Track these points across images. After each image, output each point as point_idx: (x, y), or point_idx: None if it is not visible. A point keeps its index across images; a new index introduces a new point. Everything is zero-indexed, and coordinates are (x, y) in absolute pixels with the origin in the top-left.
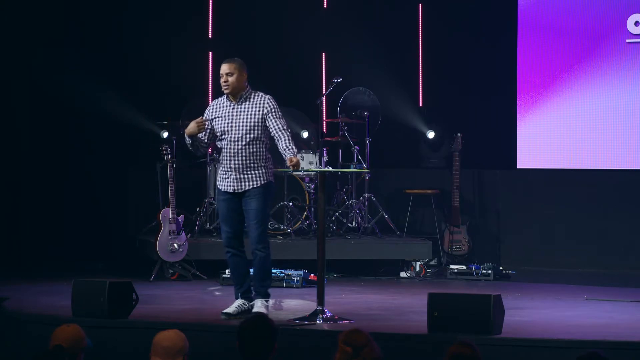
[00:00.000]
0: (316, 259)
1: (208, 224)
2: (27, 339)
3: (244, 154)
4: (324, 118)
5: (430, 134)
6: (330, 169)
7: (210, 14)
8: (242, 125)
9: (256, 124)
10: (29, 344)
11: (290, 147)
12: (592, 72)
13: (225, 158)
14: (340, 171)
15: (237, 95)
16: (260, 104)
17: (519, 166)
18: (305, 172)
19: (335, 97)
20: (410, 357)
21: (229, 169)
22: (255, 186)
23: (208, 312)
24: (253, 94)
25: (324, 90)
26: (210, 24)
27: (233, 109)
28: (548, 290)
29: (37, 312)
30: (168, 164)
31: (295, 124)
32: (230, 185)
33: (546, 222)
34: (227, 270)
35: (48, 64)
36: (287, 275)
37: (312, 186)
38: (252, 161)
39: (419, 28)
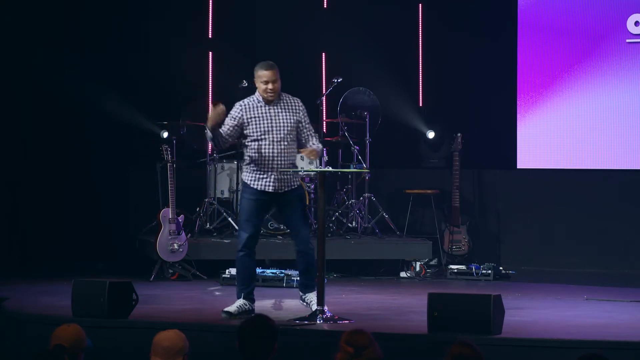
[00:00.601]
0: (316, 259)
1: (208, 224)
2: (27, 339)
3: (285, 154)
4: (324, 118)
5: (430, 134)
6: (330, 169)
7: (210, 14)
8: (283, 126)
9: (294, 125)
10: (29, 344)
11: (317, 143)
12: (592, 72)
13: (265, 158)
14: (340, 171)
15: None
16: (295, 106)
17: (519, 166)
18: (305, 172)
19: (335, 97)
20: (410, 357)
21: (269, 169)
22: (294, 187)
23: (208, 312)
24: (283, 94)
25: (324, 90)
26: (210, 24)
27: (269, 110)
28: (548, 290)
29: (37, 312)
30: (168, 164)
31: None
32: (270, 186)
33: (546, 222)
34: (227, 270)
35: (48, 64)
36: (287, 275)
37: (312, 186)
38: (291, 161)
39: (419, 28)
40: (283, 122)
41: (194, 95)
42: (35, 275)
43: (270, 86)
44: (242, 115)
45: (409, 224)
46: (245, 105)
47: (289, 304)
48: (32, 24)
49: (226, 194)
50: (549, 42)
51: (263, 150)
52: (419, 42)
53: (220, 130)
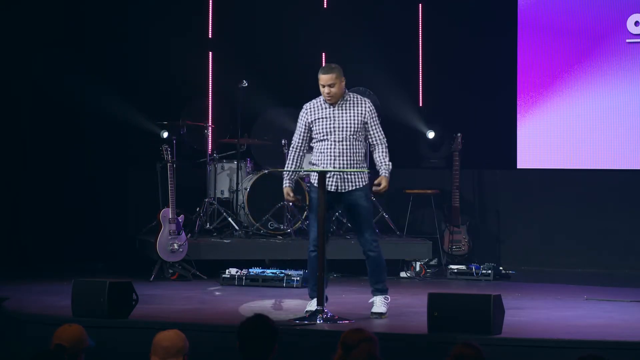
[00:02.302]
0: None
1: (208, 224)
2: (27, 339)
3: (348, 154)
4: None
5: (430, 134)
6: (331, 169)
7: (210, 14)
8: (346, 127)
9: (359, 125)
10: (29, 344)
11: (386, 163)
12: (592, 72)
13: (327, 158)
14: (340, 171)
15: (337, 100)
16: (361, 107)
17: (519, 166)
18: (305, 172)
19: None
20: (410, 357)
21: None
22: (360, 186)
23: (208, 312)
24: (351, 95)
25: None
26: (210, 24)
27: (334, 110)
28: (548, 290)
29: (37, 312)
30: (168, 164)
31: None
32: (332, 185)
33: (546, 222)
34: (227, 270)
35: (48, 64)
36: (287, 275)
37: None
38: (355, 161)
39: (419, 28)
40: (346, 123)
41: (194, 95)
42: (35, 275)
43: (327, 90)
44: (307, 118)
45: (409, 224)
46: (310, 107)
47: (289, 304)
48: (32, 24)
49: (226, 194)
50: (549, 42)
51: (326, 151)
52: (419, 42)
53: (294, 140)
